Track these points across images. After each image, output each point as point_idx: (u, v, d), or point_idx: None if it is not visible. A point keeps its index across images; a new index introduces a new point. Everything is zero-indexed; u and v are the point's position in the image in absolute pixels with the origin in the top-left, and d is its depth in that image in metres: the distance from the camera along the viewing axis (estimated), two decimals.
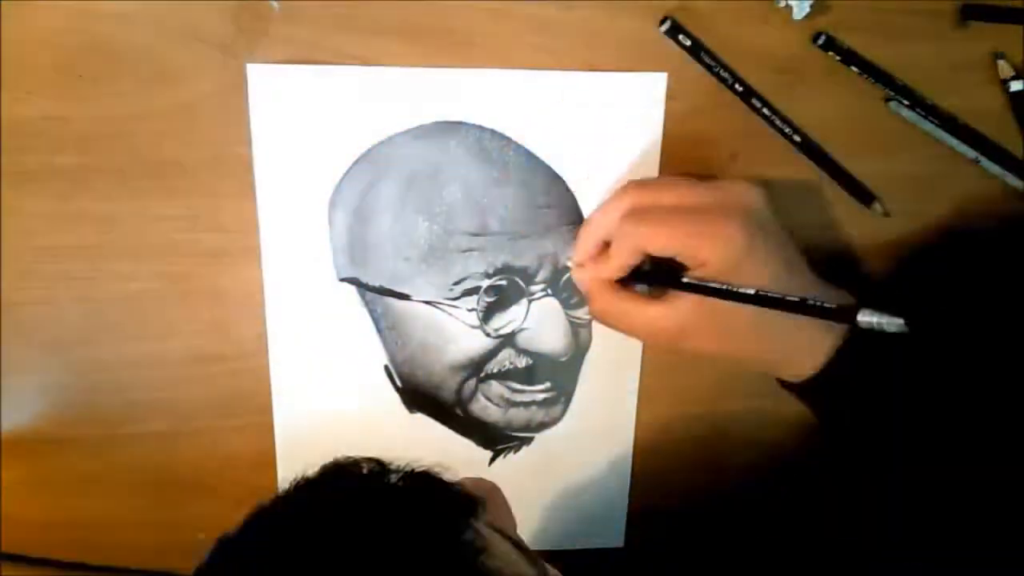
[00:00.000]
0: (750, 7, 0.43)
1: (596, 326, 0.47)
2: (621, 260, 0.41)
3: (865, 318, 0.35)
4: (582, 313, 0.47)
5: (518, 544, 0.33)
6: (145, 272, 0.44)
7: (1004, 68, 0.45)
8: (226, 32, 0.41)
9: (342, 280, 0.45)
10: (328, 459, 0.47)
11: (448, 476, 0.33)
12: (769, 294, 0.38)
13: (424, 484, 0.33)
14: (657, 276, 0.41)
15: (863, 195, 0.46)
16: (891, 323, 0.35)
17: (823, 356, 0.40)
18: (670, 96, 0.44)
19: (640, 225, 0.39)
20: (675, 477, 0.50)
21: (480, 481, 0.36)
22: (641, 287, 0.42)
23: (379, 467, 0.33)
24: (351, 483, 0.32)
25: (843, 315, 0.37)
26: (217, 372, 0.46)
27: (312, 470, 0.33)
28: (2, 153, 0.42)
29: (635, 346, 0.48)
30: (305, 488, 0.32)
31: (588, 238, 0.43)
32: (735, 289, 0.38)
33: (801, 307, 0.38)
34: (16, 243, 0.43)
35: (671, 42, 0.43)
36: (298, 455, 0.47)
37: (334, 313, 0.45)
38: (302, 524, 0.29)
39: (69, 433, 0.46)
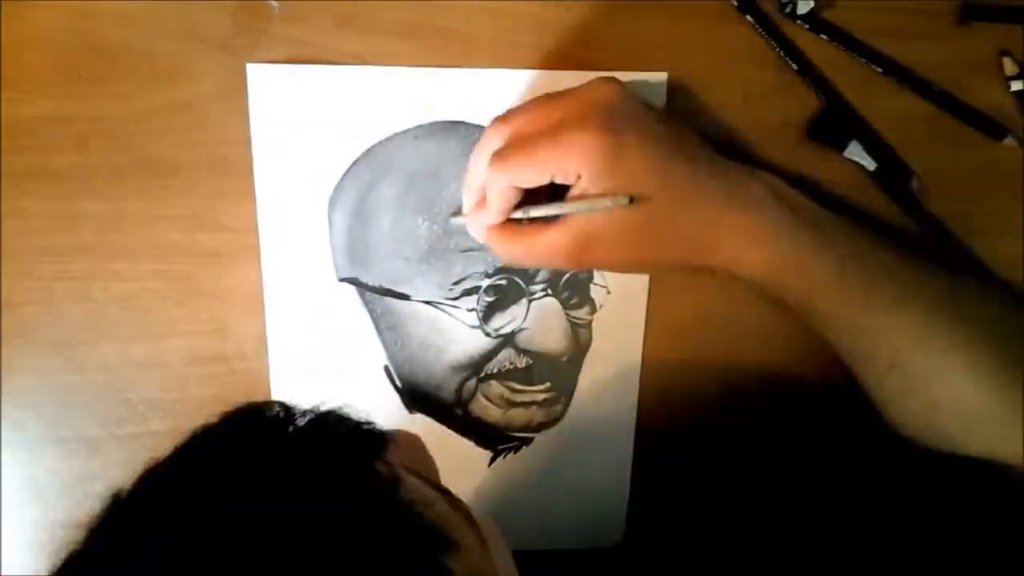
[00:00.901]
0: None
1: (596, 326, 0.47)
2: (500, 203, 0.39)
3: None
4: (582, 313, 0.47)
5: (437, 486, 0.32)
6: (145, 272, 0.44)
7: (1008, 65, 0.44)
8: (226, 32, 0.41)
9: (342, 280, 0.45)
10: None
11: (357, 415, 0.32)
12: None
13: (332, 423, 0.31)
14: (537, 204, 0.40)
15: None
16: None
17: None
18: (670, 96, 0.44)
19: (505, 166, 0.38)
20: (675, 477, 0.50)
21: (400, 431, 0.35)
22: (535, 215, 0.40)
23: (284, 410, 0.31)
24: (254, 427, 0.31)
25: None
26: (217, 372, 0.46)
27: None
28: (2, 153, 0.42)
29: (635, 346, 0.48)
30: (204, 436, 0.30)
31: (468, 190, 0.42)
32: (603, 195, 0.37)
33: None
34: (16, 243, 0.43)
35: (671, 42, 0.43)
36: None
37: (334, 313, 0.45)
38: (203, 472, 0.27)
39: (69, 433, 0.46)
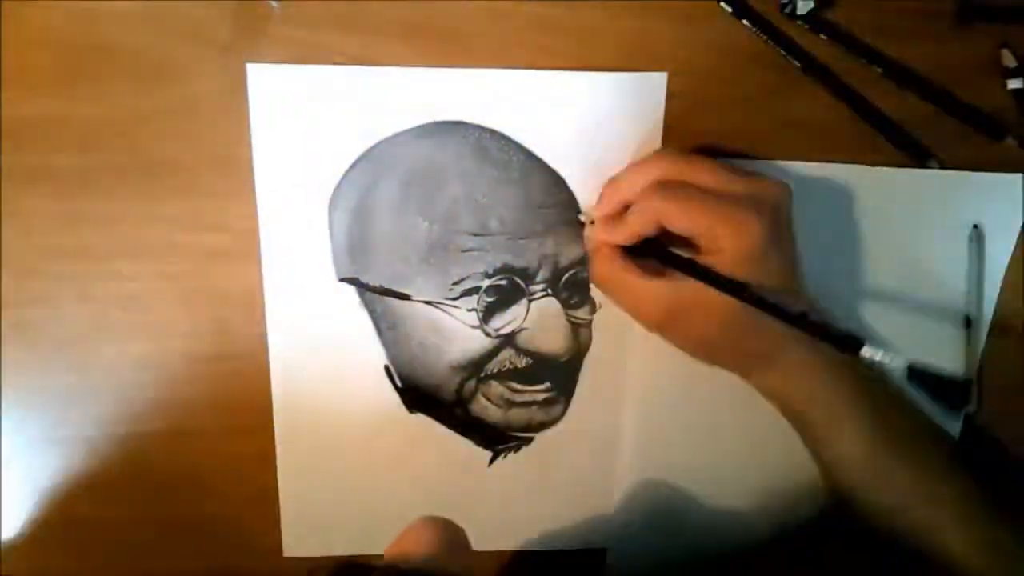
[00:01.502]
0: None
1: (596, 326, 0.47)
2: (637, 228, 0.40)
3: (869, 354, 0.36)
4: (582, 313, 0.47)
5: None
6: (145, 272, 0.44)
7: (1007, 56, 0.44)
8: (226, 32, 0.41)
9: (342, 280, 0.45)
10: (328, 458, 0.47)
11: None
12: (770, 299, 0.38)
13: None
14: (665, 254, 0.41)
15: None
16: (894, 360, 0.35)
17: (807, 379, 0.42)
18: (670, 96, 0.44)
19: (666, 199, 0.39)
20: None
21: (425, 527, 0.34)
22: (646, 262, 0.42)
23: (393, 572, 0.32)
24: None
25: (847, 343, 0.37)
26: (217, 372, 0.46)
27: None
28: (2, 153, 0.42)
29: (636, 346, 0.48)
30: None
31: (611, 198, 0.42)
32: (741, 284, 0.38)
33: (802, 322, 0.38)
34: (16, 243, 0.43)
35: (671, 42, 0.43)
36: (298, 455, 0.47)
37: (334, 313, 0.45)
38: None
39: (70, 434, 0.46)
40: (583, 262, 0.46)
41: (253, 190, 0.43)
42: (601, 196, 0.43)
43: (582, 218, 0.45)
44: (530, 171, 0.44)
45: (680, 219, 0.39)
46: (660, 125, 0.44)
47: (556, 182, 0.45)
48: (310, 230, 0.44)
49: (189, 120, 0.42)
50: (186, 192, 0.43)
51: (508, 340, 0.47)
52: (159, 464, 0.47)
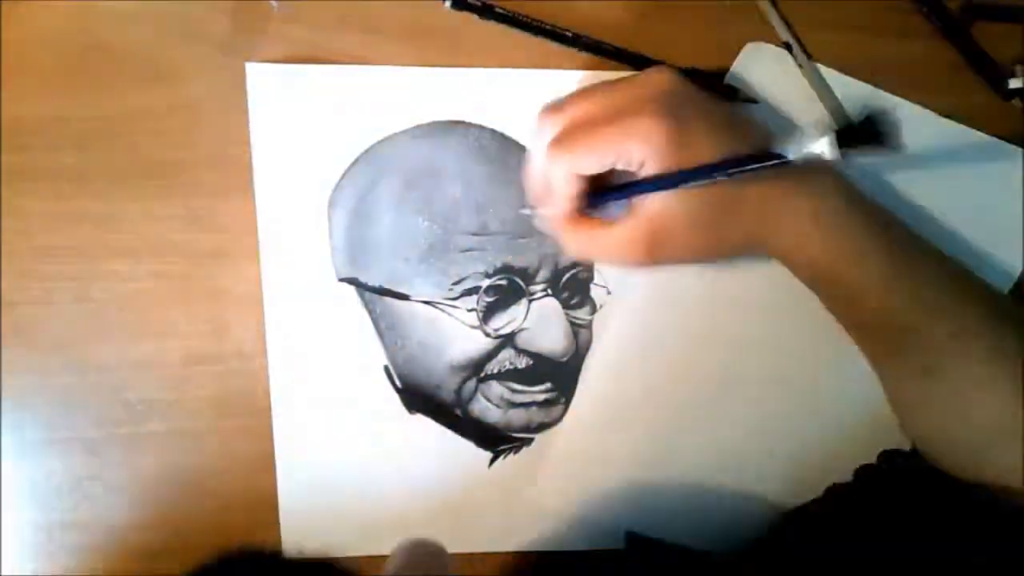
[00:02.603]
0: None
1: (596, 326, 0.47)
2: (564, 190, 0.39)
3: (795, 154, 0.35)
4: (582, 313, 0.47)
5: None
6: (144, 272, 0.44)
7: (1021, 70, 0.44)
8: (225, 32, 0.41)
9: (341, 280, 0.45)
10: (328, 459, 0.47)
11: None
12: (694, 168, 0.36)
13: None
14: (610, 190, 0.40)
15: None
16: (823, 148, 0.34)
17: (807, 216, 0.39)
18: None
19: (564, 152, 0.38)
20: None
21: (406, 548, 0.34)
22: (598, 207, 0.41)
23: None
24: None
25: (774, 156, 0.36)
26: (217, 372, 0.46)
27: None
28: (2, 153, 0.42)
29: (636, 346, 0.48)
30: None
31: (532, 180, 0.42)
32: (670, 172, 0.37)
33: (736, 163, 0.36)
34: (16, 243, 0.43)
35: (671, 42, 0.43)
36: (298, 455, 0.47)
37: (334, 313, 0.45)
38: None
39: (69, 433, 0.46)
40: (583, 262, 0.46)
41: (253, 190, 0.43)
42: (525, 180, 0.43)
43: (523, 211, 0.44)
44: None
45: (588, 161, 0.38)
46: None
47: None
48: (310, 230, 0.44)
49: (189, 120, 0.42)
50: (186, 192, 0.43)
51: (508, 340, 0.47)
52: (159, 464, 0.47)
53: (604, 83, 0.40)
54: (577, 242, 0.41)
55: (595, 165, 0.38)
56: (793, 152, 0.35)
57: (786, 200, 0.39)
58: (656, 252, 0.40)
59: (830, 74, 0.44)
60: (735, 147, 0.38)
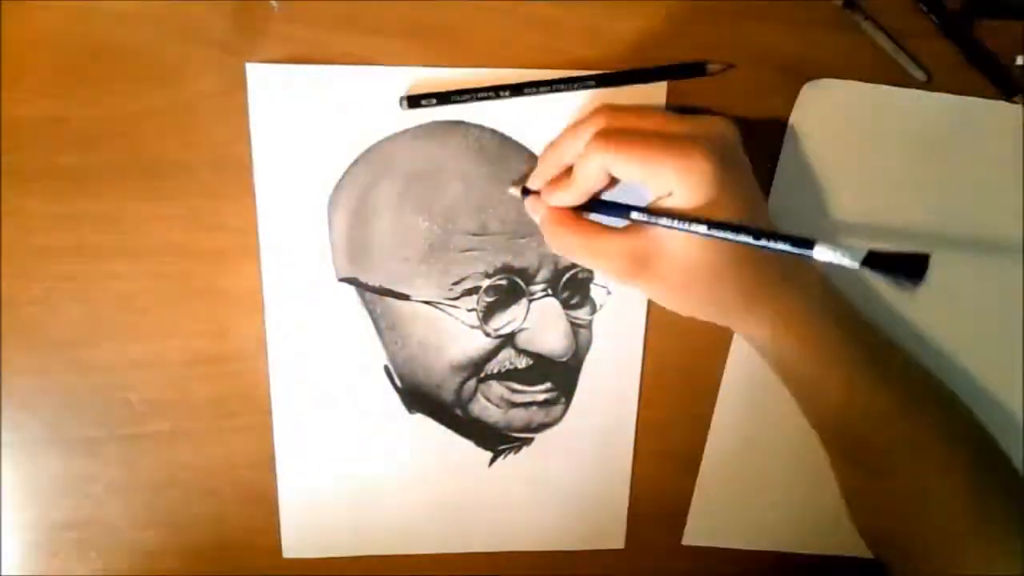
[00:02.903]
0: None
1: (596, 326, 0.47)
2: (586, 183, 0.39)
3: (822, 255, 0.35)
4: (582, 313, 0.47)
5: None
6: (145, 272, 0.44)
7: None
8: (226, 32, 0.41)
9: (342, 280, 0.45)
10: (328, 459, 0.47)
11: None
12: (727, 223, 0.37)
13: None
14: (614, 205, 0.40)
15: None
16: (850, 256, 0.35)
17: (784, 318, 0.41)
18: (670, 96, 0.44)
19: (610, 145, 0.38)
20: (676, 478, 0.50)
21: None
22: (597, 218, 0.41)
23: None
24: None
25: (800, 244, 0.36)
26: (217, 372, 0.46)
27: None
28: (2, 153, 0.42)
29: (636, 346, 0.48)
30: None
31: (552, 160, 0.41)
32: (691, 220, 0.37)
33: (758, 234, 0.37)
34: (16, 243, 0.43)
35: (672, 42, 0.43)
36: (298, 455, 0.47)
37: (334, 313, 0.45)
38: None
39: (69, 433, 0.46)
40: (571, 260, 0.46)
41: (253, 190, 0.43)
42: (541, 161, 0.43)
43: (512, 191, 0.44)
44: (530, 171, 0.44)
45: (628, 163, 0.37)
46: None
47: None
48: (310, 230, 0.44)
49: (189, 120, 0.42)
50: (186, 192, 0.43)
51: (508, 340, 0.47)
52: (159, 464, 0.47)
53: (667, 111, 0.41)
54: (562, 237, 0.41)
55: (631, 172, 0.38)
56: (821, 252, 0.36)
57: (774, 286, 0.40)
58: (638, 274, 0.40)
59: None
60: (755, 217, 0.39)
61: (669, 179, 0.37)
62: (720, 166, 0.37)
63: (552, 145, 0.42)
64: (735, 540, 0.49)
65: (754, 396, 0.48)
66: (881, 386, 0.42)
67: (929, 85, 0.44)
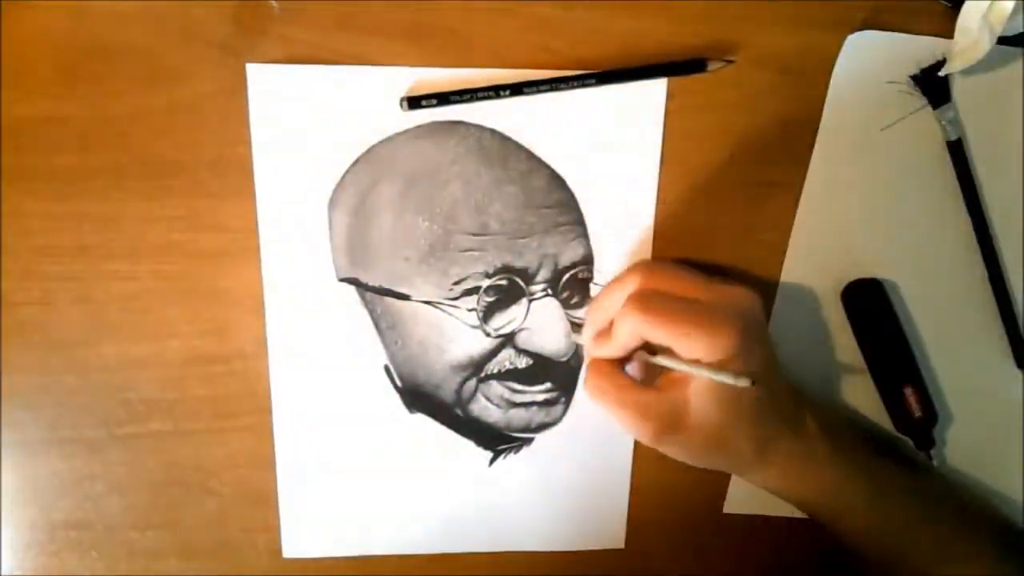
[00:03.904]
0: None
1: (589, 305, 0.47)
2: (621, 342, 0.42)
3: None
4: (582, 313, 0.47)
5: None
6: (145, 272, 0.44)
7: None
8: (226, 32, 0.41)
9: (342, 280, 0.45)
10: (328, 459, 0.47)
11: None
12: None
13: None
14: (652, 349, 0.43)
15: None
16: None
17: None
18: (670, 96, 0.44)
19: (641, 312, 0.40)
20: (676, 478, 0.50)
21: None
22: (633, 374, 0.44)
23: None
24: None
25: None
26: (217, 372, 0.46)
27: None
28: (2, 153, 0.42)
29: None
30: None
31: (596, 316, 0.44)
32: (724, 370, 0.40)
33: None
34: (16, 243, 0.43)
35: (671, 42, 0.43)
36: (298, 455, 0.47)
37: (334, 313, 0.45)
38: None
39: (69, 433, 0.46)
40: (584, 262, 0.46)
41: (253, 190, 0.43)
42: (588, 314, 0.45)
43: (574, 338, 0.46)
44: (530, 171, 0.44)
45: (657, 331, 0.40)
46: (660, 125, 0.44)
47: (556, 182, 0.45)
48: (310, 230, 0.44)
49: (189, 120, 0.42)
50: (186, 192, 0.43)
51: (508, 340, 0.47)
52: (159, 464, 0.47)
53: (697, 274, 0.43)
54: (603, 385, 0.43)
55: (659, 339, 0.40)
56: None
57: (778, 441, 0.43)
58: (665, 431, 0.42)
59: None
60: (766, 383, 0.41)
61: (697, 349, 0.40)
62: (744, 338, 0.40)
63: (595, 300, 0.45)
64: (775, 508, 0.49)
65: None
66: (893, 505, 0.45)
67: None
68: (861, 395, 0.49)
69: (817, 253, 0.47)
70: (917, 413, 0.47)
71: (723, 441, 0.42)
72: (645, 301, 0.41)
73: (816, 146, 0.45)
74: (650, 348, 0.42)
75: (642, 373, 0.44)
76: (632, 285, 0.42)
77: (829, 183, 0.46)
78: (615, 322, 0.42)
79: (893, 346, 0.47)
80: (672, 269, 0.43)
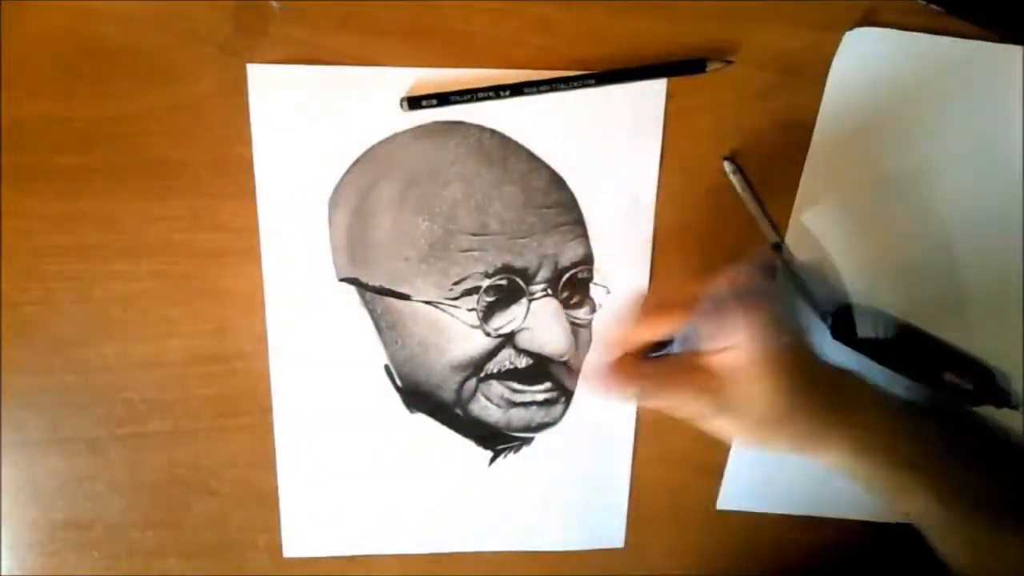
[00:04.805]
0: None
1: (596, 325, 0.47)
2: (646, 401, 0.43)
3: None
4: (582, 313, 0.47)
5: None
6: (145, 272, 0.44)
7: None
8: (226, 32, 0.41)
9: (342, 280, 0.45)
10: (328, 459, 0.47)
11: None
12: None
13: None
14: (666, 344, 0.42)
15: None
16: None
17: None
18: (670, 96, 0.44)
19: (664, 395, 0.41)
20: (675, 477, 0.50)
21: None
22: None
23: None
24: None
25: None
26: (217, 372, 0.46)
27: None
28: (2, 153, 0.42)
29: None
30: None
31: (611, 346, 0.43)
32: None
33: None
34: (16, 243, 0.43)
35: (671, 42, 0.43)
36: (298, 455, 0.47)
37: (334, 313, 0.45)
38: None
39: (69, 433, 0.46)
40: (583, 262, 0.46)
41: (253, 190, 0.43)
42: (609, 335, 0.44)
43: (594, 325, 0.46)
44: (530, 171, 0.44)
45: (669, 405, 0.41)
46: (661, 125, 0.44)
47: (556, 182, 0.45)
48: (310, 230, 0.44)
49: (189, 120, 0.42)
50: (186, 192, 0.43)
51: (508, 340, 0.47)
52: (159, 464, 0.47)
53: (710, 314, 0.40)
54: (644, 384, 0.42)
55: (672, 410, 0.41)
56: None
57: (838, 415, 0.41)
58: (723, 402, 0.40)
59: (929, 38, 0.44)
60: (795, 398, 0.40)
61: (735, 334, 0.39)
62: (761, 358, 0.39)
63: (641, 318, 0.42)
64: (768, 504, 0.49)
65: None
66: (958, 468, 0.43)
67: None
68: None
69: (814, 251, 0.47)
70: (968, 386, 0.46)
71: (779, 424, 0.41)
72: (660, 389, 0.41)
73: (812, 143, 0.45)
74: (661, 344, 0.42)
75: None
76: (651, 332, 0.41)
77: (826, 180, 0.46)
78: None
79: (913, 346, 0.47)
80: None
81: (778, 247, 0.46)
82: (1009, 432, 0.48)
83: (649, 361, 0.42)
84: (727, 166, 0.45)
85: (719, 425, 0.41)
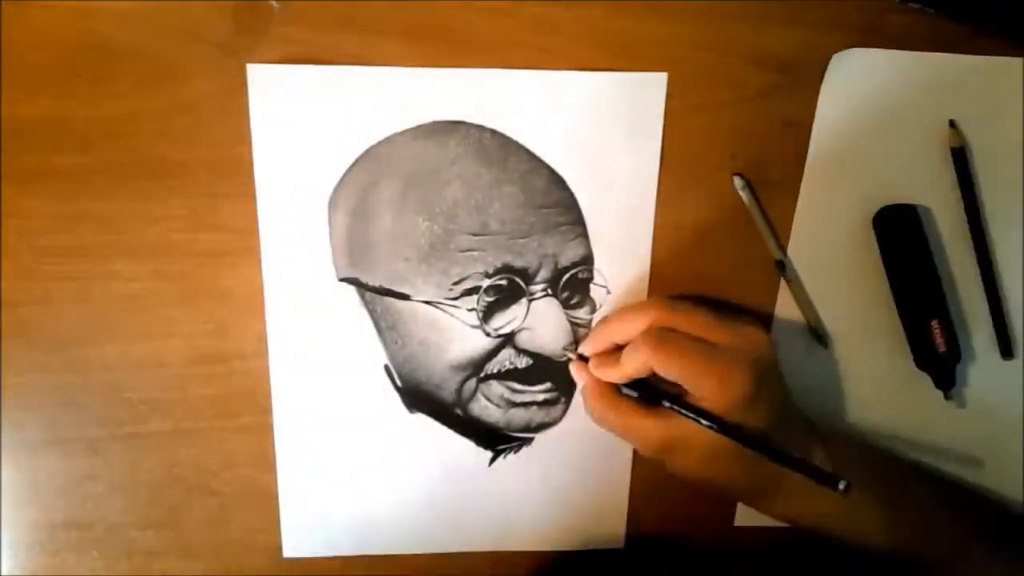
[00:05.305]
0: None
1: (596, 325, 0.47)
2: (629, 371, 0.42)
3: (843, 486, 0.39)
4: (582, 313, 0.47)
5: None
6: (145, 272, 0.44)
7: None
8: (226, 32, 0.41)
9: (342, 280, 0.45)
10: (328, 459, 0.47)
11: None
12: (757, 438, 0.41)
13: None
14: (654, 392, 0.43)
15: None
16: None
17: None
18: (670, 96, 0.44)
19: (657, 349, 0.41)
20: (675, 478, 0.50)
21: None
22: (630, 393, 0.45)
23: None
24: None
25: (825, 479, 0.39)
26: (217, 372, 0.46)
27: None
28: (2, 153, 0.42)
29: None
30: None
31: (602, 338, 0.45)
32: (726, 424, 0.41)
33: (782, 458, 0.40)
34: (16, 243, 0.43)
35: (671, 42, 0.43)
36: (298, 455, 0.47)
37: (334, 313, 0.45)
38: None
39: (69, 433, 0.46)
40: (583, 262, 0.46)
41: (253, 190, 0.43)
42: (592, 334, 0.46)
43: (568, 355, 0.46)
44: (530, 171, 0.44)
45: (670, 368, 0.41)
46: (660, 125, 0.44)
47: (556, 182, 0.45)
48: (310, 230, 0.44)
49: (189, 120, 0.42)
50: (186, 192, 0.43)
51: (508, 340, 0.47)
52: (159, 464, 0.47)
53: (713, 315, 0.43)
54: (605, 408, 0.44)
55: (672, 376, 0.41)
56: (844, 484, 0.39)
57: (780, 479, 0.42)
58: (664, 456, 0.43)
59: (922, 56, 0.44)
60: (780, 431, 0.42)
61: (708, 389, 0.41)
62: (753, 382, 0.41)
63: (605, 322, 0.46)
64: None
65: None
66: (914, 509, 0.45)
67: None
68: (885, 328, 0.48)
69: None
70: (942, 348, 0.46)
71: (725, 475, 0.43)
72: (661, 338, 0.41)
73: (806, 169, 0.46)
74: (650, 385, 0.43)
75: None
76: (647, 319, 0.43)
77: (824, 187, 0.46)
78: (626, 352, 0.42)
79: (923, 278, 0.46)
80: (688, 308, 0.43)
81: (781, 264, 0.46)
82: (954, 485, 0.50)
83: (617, 399, 0.44)
84: (737, 182, 0.45)
85: (668, 467, 0.44)
